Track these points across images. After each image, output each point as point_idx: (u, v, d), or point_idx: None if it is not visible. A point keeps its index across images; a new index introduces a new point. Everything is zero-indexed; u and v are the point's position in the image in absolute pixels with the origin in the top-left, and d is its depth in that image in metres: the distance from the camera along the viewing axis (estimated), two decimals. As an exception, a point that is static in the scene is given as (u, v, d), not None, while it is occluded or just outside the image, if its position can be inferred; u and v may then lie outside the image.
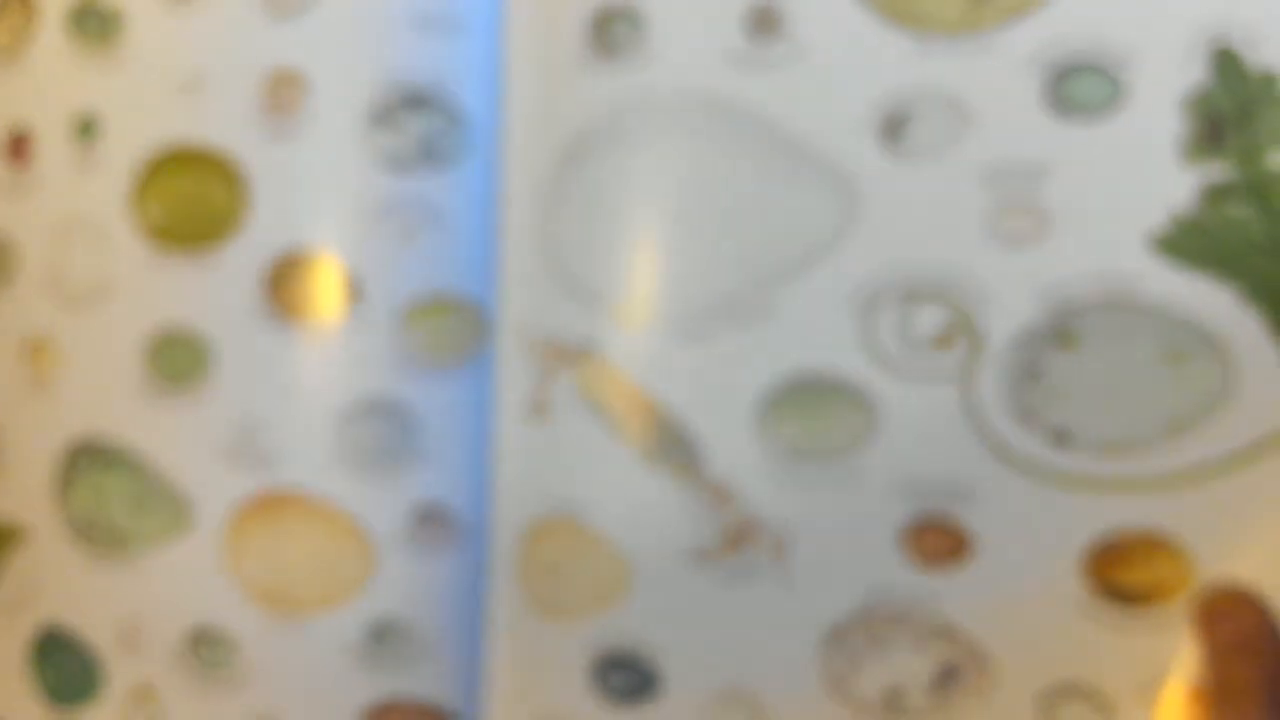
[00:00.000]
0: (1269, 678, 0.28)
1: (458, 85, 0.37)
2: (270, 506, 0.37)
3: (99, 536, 0.40)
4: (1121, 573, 0.31)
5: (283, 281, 0.37)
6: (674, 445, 0.35)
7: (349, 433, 0.37)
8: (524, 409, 0.37)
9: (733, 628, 0.35)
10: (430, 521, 0.37)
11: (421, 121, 0.37)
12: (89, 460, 0.40)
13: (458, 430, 0.37)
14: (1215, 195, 0.29)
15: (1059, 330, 0.31)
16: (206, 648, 0.38)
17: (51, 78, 0.40)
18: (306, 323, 0.37)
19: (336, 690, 0.37)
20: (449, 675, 0.38)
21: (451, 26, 0.37)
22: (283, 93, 0.36)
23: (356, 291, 0.36)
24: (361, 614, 0.37)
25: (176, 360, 0.38)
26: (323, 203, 0.37)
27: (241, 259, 0.37)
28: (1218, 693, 0.28)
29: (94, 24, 0.39)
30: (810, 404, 0.33)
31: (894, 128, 0.32)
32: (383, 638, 0.37)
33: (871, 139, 0.32)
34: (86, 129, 0.39)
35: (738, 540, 0.34)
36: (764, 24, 0.33)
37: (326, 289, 0.36)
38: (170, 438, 0.38)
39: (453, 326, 0.37)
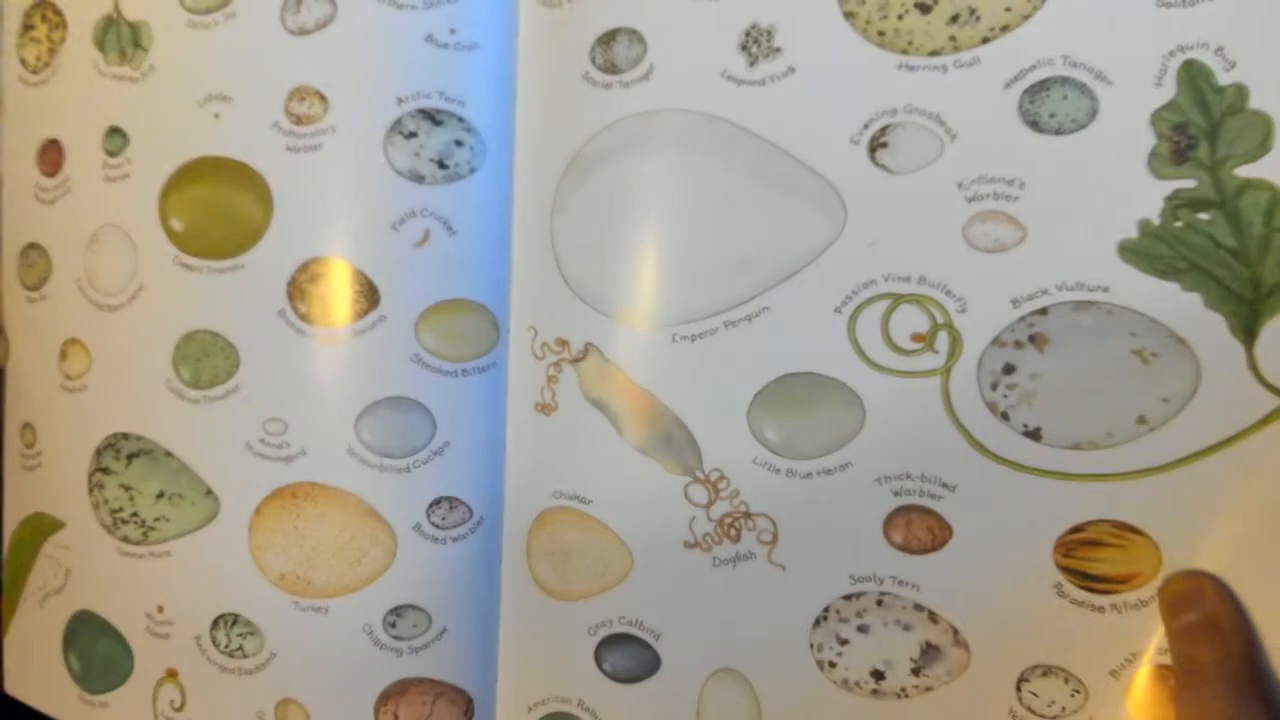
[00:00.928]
0: (1228, 658, 0.28)
1: (470, 101, 0.37)
2: (294, 499, 0.37)
3: (129, 529, 0.40)
4: (1093, 561, 0.31)
5: (305, 288, 0.37)
6: (672, 440, 0.35)
7: (368, 430, 0.37)
8: (532, 407, 0.37)
9: (727, 611, 0.35)
10: (445, 512, 0.37)
11: (436, 136, 0.37)
12: (120, 456, 0.40)
13: (470, 427, 0.37)
14: (1183, 205, 0.29)
15: (1033, 332, 0.31)
16: (231, 634, 0.38)
17: (80, 92, 0.40)
18: (327, 326, 0.37)
19: (357, 672, 0.37)
20: (463, 656, 0.38)
21: (464, 45, 0.37)
22: (303, 108, 0.37)
23: (374, 297, 0.36)
24: (381, 599, 0.37)
25: (204, 362, 0.38)
26: (342, 213, 0.36)
27: (265, 266, 0.37)
28: (1181, 673, 0.29)
29: (121, 40, 0.39)
30: (800, 401, 0.34)
31: (879, 142, 0.32)
32: (401, 622, 0.37)
33: (858, 153, 0.33)
34: (115, 141, 0.39)
35: (732, 529, 0.35)
36: (758, 46, 0.34)
37: (346, 295, 0.36)
38: (198, 435, 0.38)
39: (465, 329, 0.37)
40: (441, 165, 0.37)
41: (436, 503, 0.37)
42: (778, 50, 0.34)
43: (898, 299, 0.32)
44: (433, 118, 0.37)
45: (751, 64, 0.34)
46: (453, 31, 0.37)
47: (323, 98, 0.36)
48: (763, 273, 0.34)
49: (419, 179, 0.36)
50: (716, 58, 0.34)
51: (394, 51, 0.36)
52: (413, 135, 0.36)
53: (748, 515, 0.35)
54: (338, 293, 0.36)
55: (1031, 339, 0.31)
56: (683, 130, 0.34)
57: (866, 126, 0.33)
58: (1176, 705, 0.29)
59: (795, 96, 0.33)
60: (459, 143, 0.37)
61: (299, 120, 0.37)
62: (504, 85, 0.37)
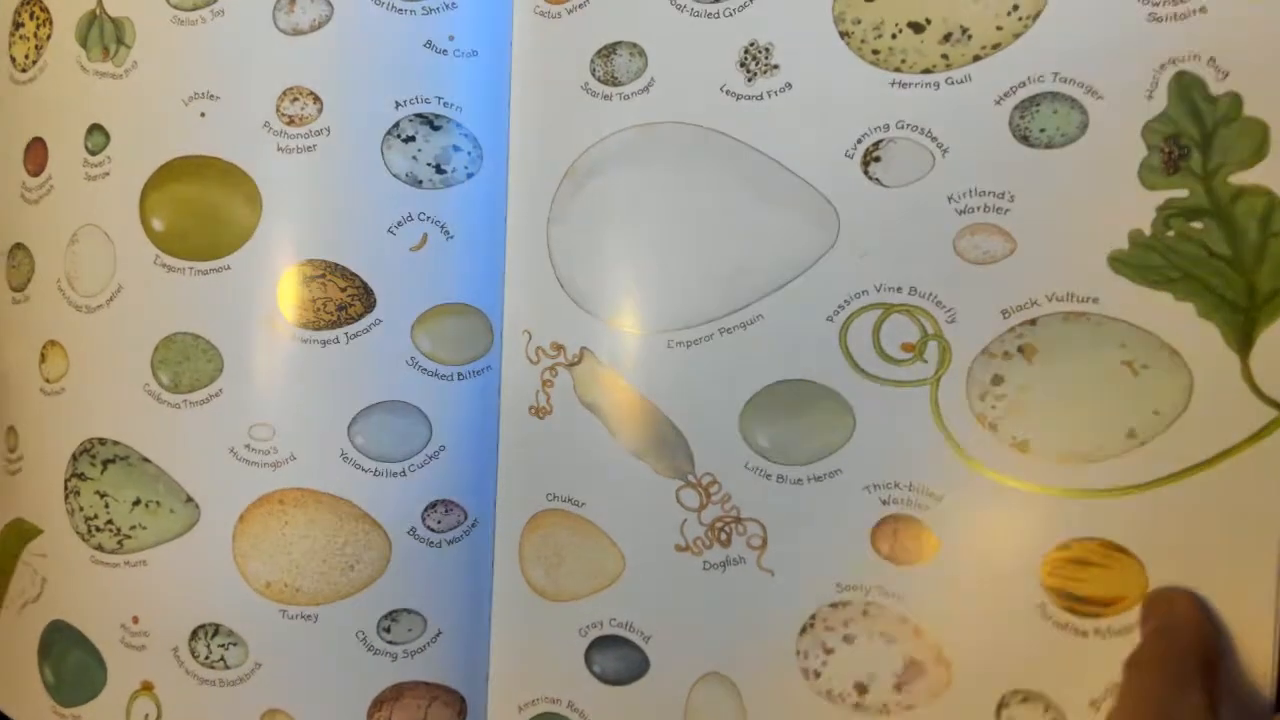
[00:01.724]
0: (1179, 650, 0.28)
1: (468, 107, 0.36)
2: (281, 505, 0.36)
3: (104, 537, 0.38)
4: (1079, 580, 0.30)
5: (297, 290, 0.36)
6: (665, 444, 0.35)
7: (363, 434, 0.36)
8: (526, 410, 0.37)
9: (716, 615, 0.35)
10: (441, 515, 0.37)
11: (434, 140, 0.36)
12: (96, 461, 0.38)
13: (466, 430, 0.37)
14: (1176, 215, 0.29)
15: (1021, 343, 0.31)
16: (211, 644, 0.37)
17: (63, 89, 0.39)
18: (320, 330, 0.36)
19: (349, 679, 0.36)
20: (458, 658, 0.37)
21: (464, 52, 0.36)
22: (295, 108, 0.36)
23: (370, 300, 0.36)
24: (375, 605, 0.36)
25: (184, 365, 0.36)
26: (338, 215, 0.36)
27: (252, 268, 0.36)
28: (1135, 666, 0.28)
29: (103, 36, 0.38)
30: (792, 407, 0.33)
31: (872, 157, 0.33)
32: (396, 626, 0.36)
33: (852, 167, 0.33)
34: (96, 139, 0.38)
35: (722, 533, 0.34)
36: (757, 62, 0.34)
37: (341, 297, 0.35)
38: (178, 441, 0.37)
39: (461, 332, 0.36)
40: (439, 170, 0.36)
41: (432, 506, 0.36)
42: (775, 67, 0.34)
43: (889, 309, 0.32)
44: (431, 122, 0.36)
45: (750, 80, 0.34)
46: (452, 38, 0.36)
47: (317, 99, 0.35)
48: (757, 281, 0.34)
49: (417, 183, 0.36)
50: (716, 73, 0.34)
51: (392, 55, 0.36)
52: (411, 139, 0.36)
53: (738, 520, 0.34)
54: (332, 295, 0.35)
55: (1020, 349, 0.31)
56: (681, 142, 0.34)
57: (860, 141, 0.33)
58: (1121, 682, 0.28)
59: (792, 112, 0.33)
60: (456, 148, 0.36)
61: (291, 121, 0.36)
62: (502, 92, 0.37)
